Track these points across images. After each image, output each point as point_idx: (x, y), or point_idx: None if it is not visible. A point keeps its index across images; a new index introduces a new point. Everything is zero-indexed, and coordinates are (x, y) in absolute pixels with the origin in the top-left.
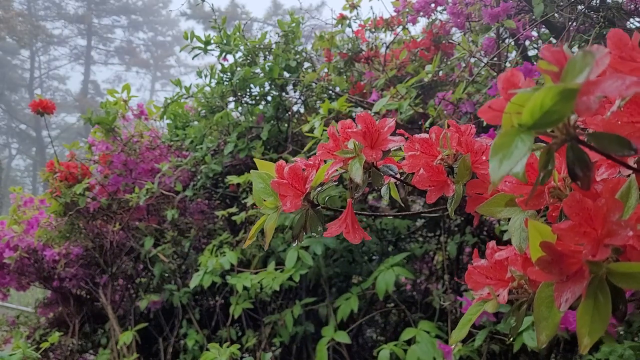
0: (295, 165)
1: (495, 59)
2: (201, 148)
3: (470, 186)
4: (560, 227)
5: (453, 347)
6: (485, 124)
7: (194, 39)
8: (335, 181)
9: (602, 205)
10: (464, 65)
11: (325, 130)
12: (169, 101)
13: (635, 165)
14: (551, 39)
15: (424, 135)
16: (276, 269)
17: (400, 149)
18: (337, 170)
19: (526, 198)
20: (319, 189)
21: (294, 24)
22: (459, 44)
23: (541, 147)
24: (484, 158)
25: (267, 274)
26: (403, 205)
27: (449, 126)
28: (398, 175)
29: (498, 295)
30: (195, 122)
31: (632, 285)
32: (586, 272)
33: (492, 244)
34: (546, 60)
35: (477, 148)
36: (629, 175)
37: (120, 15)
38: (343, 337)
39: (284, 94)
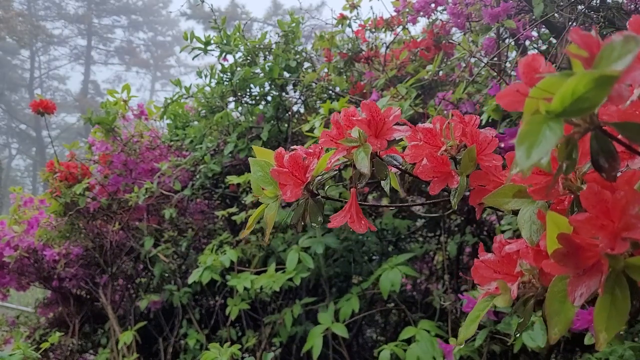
0: (295, 154)
1: (496, 59)
2: (201, 148)
3: (474, 178)
4: (578, 219)
5: (454, 346)
6: (484, 122)
7: (194, 39)
8: (336, 170)
9: (620, 198)
10: (464, 65)
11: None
12: (169, 101)
13: None
14: (551, 39)
15: (427, 125)
16: (277, 270)
17: (402, 139)
18: (339, 159)
19: (542, 188)
20: (320, 178)
21: (294, 24)
22: (459, 44)
23: None
24: (493, 144)
25: (267, 276)
26: (405, 200)
27: (453, 116)
28: (402, 166)
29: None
30: (195, 122)
31: None
32: (605, 266)
33: (500, 237)
34: (576, 44)
35: (481, 139)
36: None
37: (120, 15)
38: (341, 330)
39: (284, 94)
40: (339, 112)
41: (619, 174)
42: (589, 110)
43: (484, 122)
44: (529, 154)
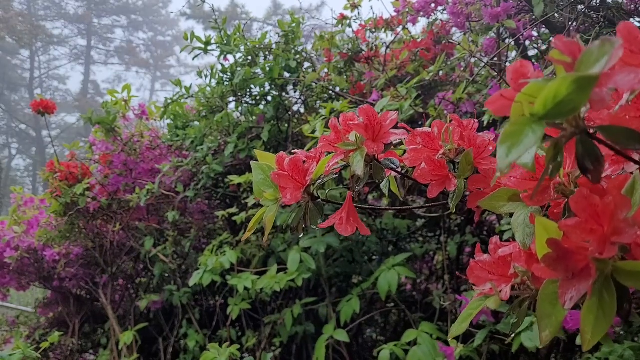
0: (295, 157)
1: (496, 59)
2: (202, 149)
3: (472, 181)
4: (567, 224)
5: (454, 348)
6: (486, 123)
7: (194, 39)
8: (335, 173)
9: (609, 202)
10: (464, 65)
11: (326, 132)
12: (169, 101)
13: None
14: (551, 39)
15: (426, 129)
16: (278, 271)
17: (401, 143)
18: (338, 162)
19: (531, 193)
20: (319, 181)
21: (294, 24)
22: (459, 44)
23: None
24: (490, 148)
25: (269, 277)
26: (405, 200)
27: (451, 120)
28: (400, 169)
29: (500, 291)
30: (196, 122)
31: (638, 284)
32: (592, 270)
33: (495, 239)
34: (559, 50)
35: (479, 143)
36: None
37: (120, 15)
38: (342, 336)
39: (284, 94)
40: (341, 112)
41: (614, 177)
42: (571, 113)
43: (485, 122)
44: (509, 153)
